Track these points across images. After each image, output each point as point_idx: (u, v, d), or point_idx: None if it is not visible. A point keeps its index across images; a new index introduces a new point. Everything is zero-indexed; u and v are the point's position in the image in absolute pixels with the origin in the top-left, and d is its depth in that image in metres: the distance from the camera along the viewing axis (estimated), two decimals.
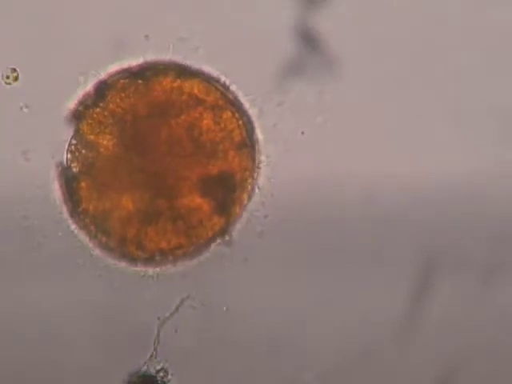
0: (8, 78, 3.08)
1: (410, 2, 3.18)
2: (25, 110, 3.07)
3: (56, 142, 3.12)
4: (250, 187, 3.19)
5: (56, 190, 3.13)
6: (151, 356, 3.13)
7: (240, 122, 3.19)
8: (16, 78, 3.08)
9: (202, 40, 3.12)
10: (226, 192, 3.17)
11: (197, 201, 3.15)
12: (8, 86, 3.09)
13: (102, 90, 3.15)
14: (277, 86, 3.13)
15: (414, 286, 3.20)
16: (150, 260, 3.17)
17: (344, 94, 3.16)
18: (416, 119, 3.20)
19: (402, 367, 3.21)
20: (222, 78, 3.17)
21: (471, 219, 3.19)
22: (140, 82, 3.15)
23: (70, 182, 3.14)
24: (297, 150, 3.16)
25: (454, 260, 3.20)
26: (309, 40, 3.16)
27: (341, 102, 3.16)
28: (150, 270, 3.17)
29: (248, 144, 3.19)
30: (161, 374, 3.14)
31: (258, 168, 3.19)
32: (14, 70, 3.08)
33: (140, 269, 3.17)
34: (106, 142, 3.13)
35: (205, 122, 3.16)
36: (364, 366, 3.20)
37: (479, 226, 3.20)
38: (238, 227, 3.19)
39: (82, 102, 3.14)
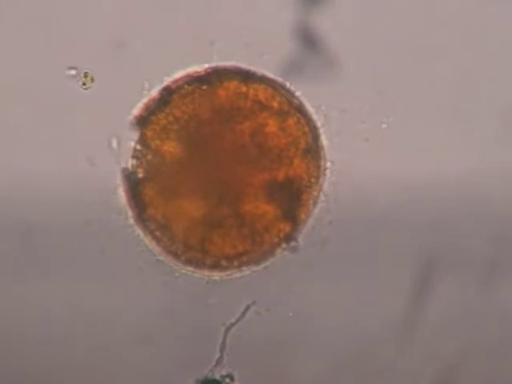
0: (85, 84, 3.09)
1: (410, 2, 3.18)
2: None
3: (121, 148, 3.12)
4: (315, 193, 3.19)
5: (121, 196, 3.13)
6: (217, 362, 3.12)
7: (305, 128, 3.17)
8: (91, 80, 3.09)
9: (267, 46, 3.12)
10: (291, 198, 3.16)
11: (262, 207, 3.13)
12: (87, 90, 3.10)
13: (167, 95, 3.14)
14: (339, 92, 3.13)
15: (413, 285, 3.20)
16: (215, 266, 3.16)
17: (344, 94, 3.17)
18: (416, 119, 3.20)
19: (402, 367, 3.21)
20: (287, 84, 3.16)
21: (471, 219, 3.19)
22: (205, 87, 3.14)
23: (134, 188, 3.14)
24: (362, 156, 3.15)
25: (454, 260, 3.20)
26: (309, 40, 3.16)
27: (340, 102, 3.16)
28: (216, 277, 3.16)
29: (313, 150, 3.18)
30: (227, 379, 3.13)
31: (324, 174, 3.18)
32: (87, 74, 3.10)
33: (205, 274, 3.16)
34: (171, 147, 3.12)
35: (269, 128, 3.15)
36: (364, 365, 3.20)
37: (479, 226, 3.20)
38: (303, 233, 3.18)
39: (146, 108, 3.14)
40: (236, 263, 3.15)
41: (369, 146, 3.17)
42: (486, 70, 3.21)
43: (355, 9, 3.16)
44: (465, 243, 3.21)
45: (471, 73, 3.21)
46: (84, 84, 3.08)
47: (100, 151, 3.10)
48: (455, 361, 3.22)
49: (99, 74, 3.10)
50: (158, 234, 3.13)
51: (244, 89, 3.14)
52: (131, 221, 3.13)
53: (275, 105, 3.16)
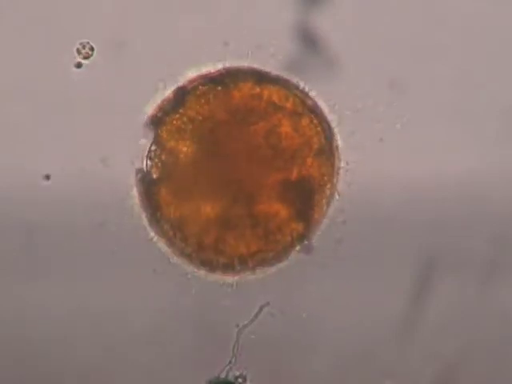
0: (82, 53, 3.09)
1: (410, 2, 3.18)
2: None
3: (135, 149, 3.11)
4: (328, 193, 3.19)
5: (135, 196, 3.12)
6: (230, 363, 3.11)
7: (319, 129, 3.16)
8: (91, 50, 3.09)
9: (280, 47, 3.12)
10: (304, 198, 3.16)
11: (275, 207, 3.13)
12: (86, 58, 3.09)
13: (182, 96, 3.14)
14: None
15: (413, 285, 3.20)
16: (228, 267, 3.15)
17: (343, 94, 3.17)
18: (416, 119, 3.20)
19: (402, 367, 3.21)
20: (301, 85, 3.16)
21: (471, 219, 3.19)
22: (219, 88, 3.14)
23: (149, 188, 3.13)
24: (376, 156, 3.15)
25: (454, 260, 3.20)
26: (309, 40, 3.16)
27: (340, 102, 3.16)
28: (229, 278, 3.16)
29: (327, 150, 3.18)
30: (239, 380, 3.13)
31: (337, 174, 3.18)
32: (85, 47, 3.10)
33: (219, 276, 3.16)
34: (185, 148, 3.12)
35: (283, 128, 3.14)
36: (364, 365, 3.20)
37: (479, 226, 3.20)
38: (317, 233, 3.18)
39: (161, 108, 3.14)
40: (250, 264, 3.15)
41: (368, 146, 3.17)
42: (486, 70, 3.21)
43: (355, 9, 3.16)
44: (465, 243, 3.21)
45: (471, 73, 3.21)
46: (87, 56, 3.08)
47: (114, 152, 3.10)
48: (455, 361, 3.22)
49: (114, 72, 3.10)
50: (171, 234, 3.13)
51: (258, 90, 3.14)
52: (145, 222, 3.13)
53: (289, 105, 3.16)
